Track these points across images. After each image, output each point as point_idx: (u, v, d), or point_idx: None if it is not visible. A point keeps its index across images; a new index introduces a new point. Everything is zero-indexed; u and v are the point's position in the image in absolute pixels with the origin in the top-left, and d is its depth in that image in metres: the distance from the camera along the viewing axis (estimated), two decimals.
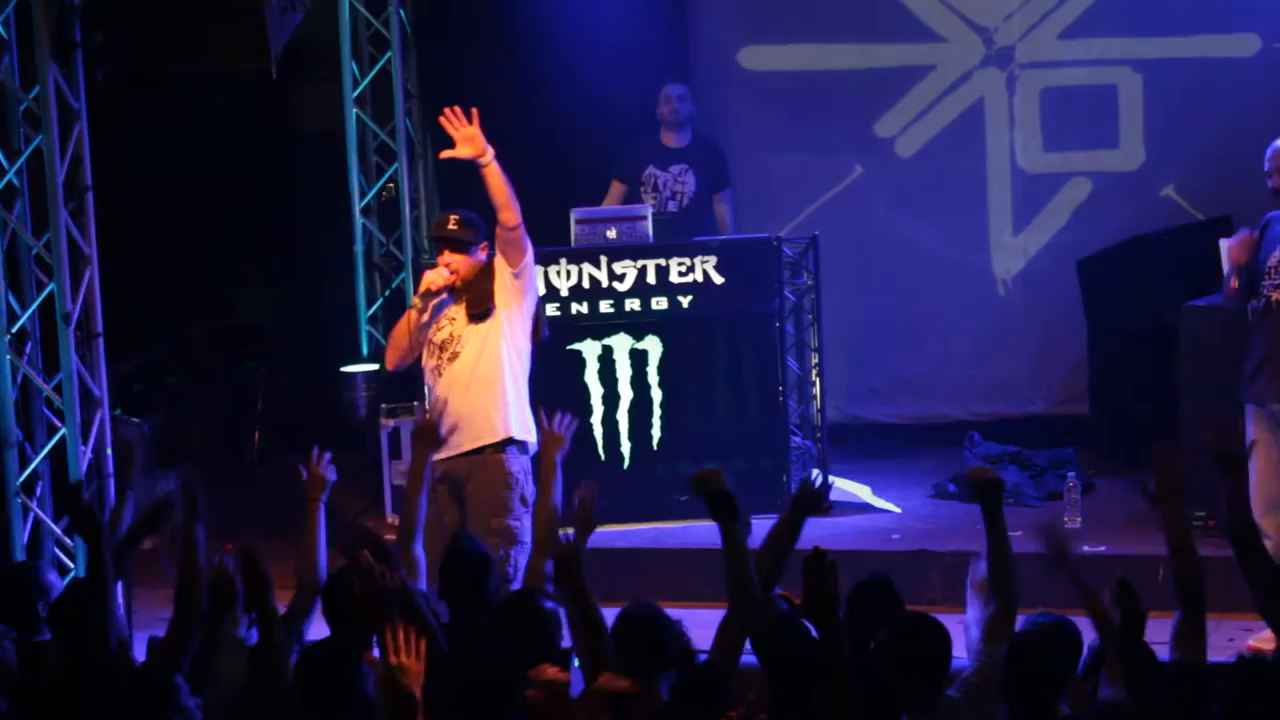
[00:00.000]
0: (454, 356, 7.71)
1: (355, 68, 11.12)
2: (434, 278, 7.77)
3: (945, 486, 9.90)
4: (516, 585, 7.15)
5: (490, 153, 7.54)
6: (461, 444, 7.57)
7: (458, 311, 7.75)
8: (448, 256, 7.75)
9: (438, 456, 7.26)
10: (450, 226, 7.75)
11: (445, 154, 7.69)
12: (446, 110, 7.57)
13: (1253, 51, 10.60)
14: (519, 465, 7.67)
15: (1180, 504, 5.72)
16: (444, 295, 7.78)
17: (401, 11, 11.16)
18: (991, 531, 5.81)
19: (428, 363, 7.83)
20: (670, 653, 5.64)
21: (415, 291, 7.94)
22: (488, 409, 7.63)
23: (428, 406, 7.81)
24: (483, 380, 7.66)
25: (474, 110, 7.56)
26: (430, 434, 7.00)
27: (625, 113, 10.49)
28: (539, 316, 7.89)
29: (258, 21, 8.58)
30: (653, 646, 5.61)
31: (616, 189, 10.41)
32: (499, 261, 7.70)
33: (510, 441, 7.66)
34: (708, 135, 10.63)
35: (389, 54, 11.09)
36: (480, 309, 7.70)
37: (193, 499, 6.56)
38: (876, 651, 5.42)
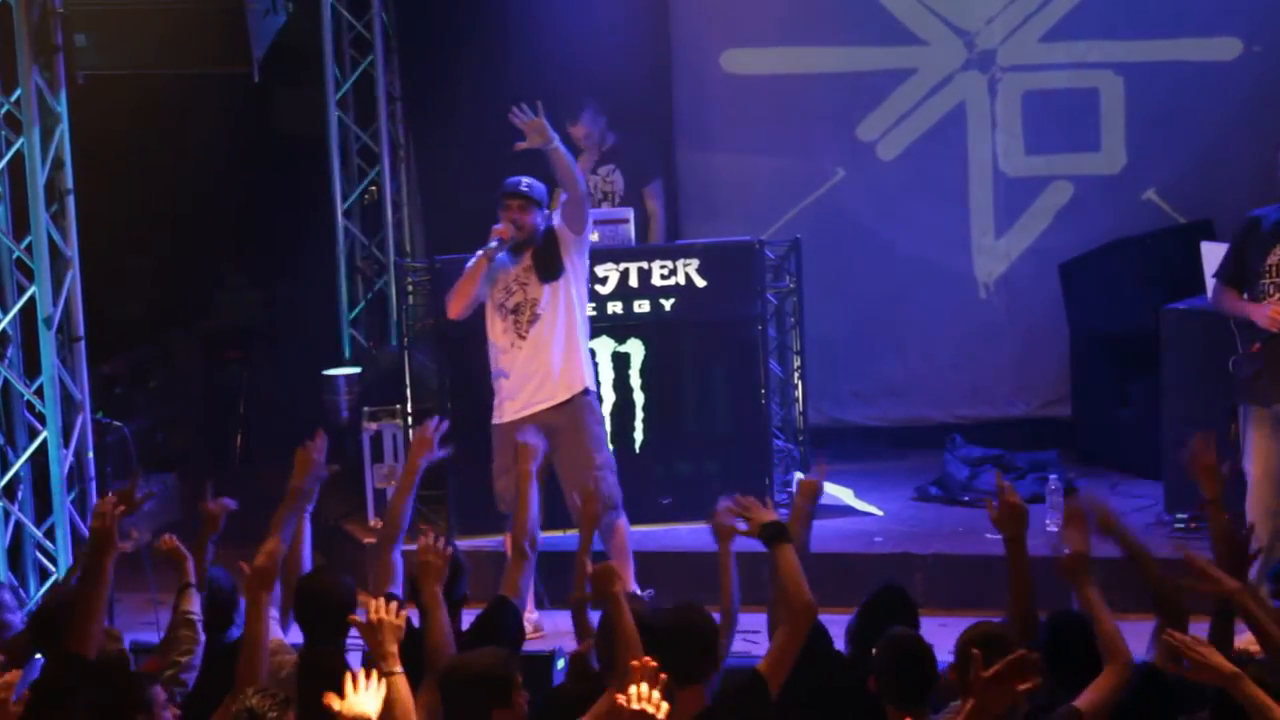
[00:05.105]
0: (534, 318, 8.48)
1: (337, 71, 11.11)
2: (501, 230, 8.42)
3: (927, 489, 9.92)
4: (619, 509, 8.36)
5: (556, 137, 8.41)
6: (556, 395, 8.49)
7: (528, 276, 8.49)
8: (514, 212, 8.41)
9: (529, 412, 8.35)
10: (523, 187, 8.48)
11: (520, 146, 8.43)
12: (514, 108, 8.36)
13: (1234, 55, 10.61)
14: (599, 407, 8.80)
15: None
16: (503, 253, 8.42)
17: (384, 15, 11.16)
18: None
19: (497, 325, 8.54)
20: (717, 659, 5.63)
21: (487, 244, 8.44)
22: (574, 362, 8.53)
23: (502, 367, 8.46)
24: (566, 337, 8.51)
25: (538, 103, 8.36)
26: (428, 443, 7.02)
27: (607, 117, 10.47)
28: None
29: (240, 24, 8.58)
30: (701, 652, 5.55)
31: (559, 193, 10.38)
32: (562, 229, 8.52)
33: (588, 390, 8.61)
34: (633, 131, 10.45)
35: (371, 57, 11.09)
36: (552, 272, 8.48)
37: (214, 521, 6.55)
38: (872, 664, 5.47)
